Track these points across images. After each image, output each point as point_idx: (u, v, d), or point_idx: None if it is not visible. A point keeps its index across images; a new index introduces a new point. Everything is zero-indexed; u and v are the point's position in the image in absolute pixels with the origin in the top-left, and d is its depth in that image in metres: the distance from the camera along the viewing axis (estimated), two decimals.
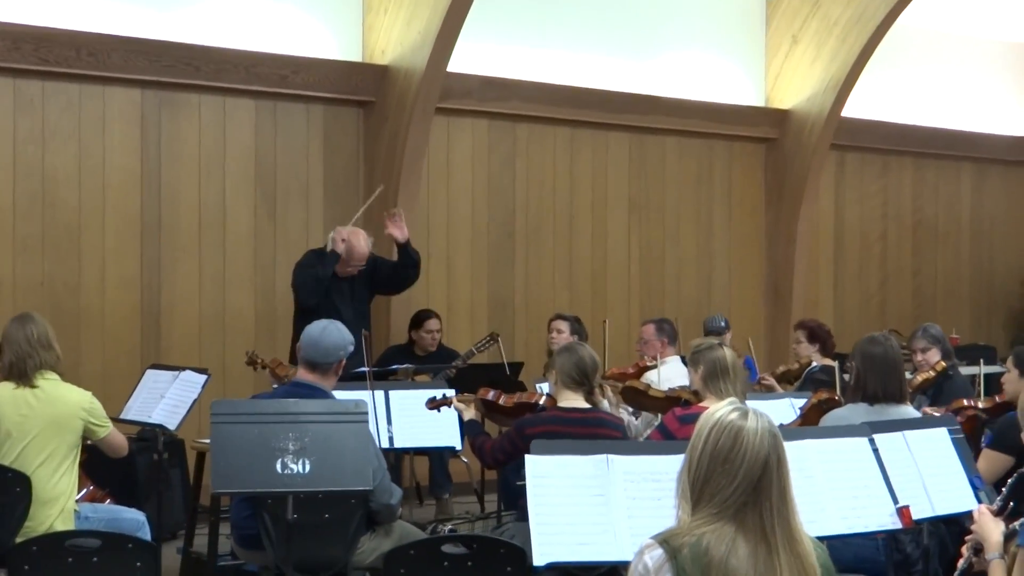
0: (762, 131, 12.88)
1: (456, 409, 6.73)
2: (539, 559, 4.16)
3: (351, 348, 6.06)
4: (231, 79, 9.90)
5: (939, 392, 7.76)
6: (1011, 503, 4.39)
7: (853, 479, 4.67)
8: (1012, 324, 15.29)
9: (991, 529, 4.13)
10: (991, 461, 6.09)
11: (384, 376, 8.78)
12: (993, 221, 15.05)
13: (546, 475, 4.27)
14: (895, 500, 4.69)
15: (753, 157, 13.02)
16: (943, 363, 7.98)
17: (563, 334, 9.08)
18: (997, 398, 6.95)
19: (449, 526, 8.17)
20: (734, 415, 3.26)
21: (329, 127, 10.52)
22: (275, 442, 5.09)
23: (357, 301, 9.17)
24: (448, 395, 6.80)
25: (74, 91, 9.39)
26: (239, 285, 9.89)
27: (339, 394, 6.68)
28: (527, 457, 4.37)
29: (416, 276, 9.57)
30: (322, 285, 8.87)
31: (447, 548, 4.40)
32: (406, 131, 10.33)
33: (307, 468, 5.09)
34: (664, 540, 3.21)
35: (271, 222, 10.18)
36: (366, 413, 5.37)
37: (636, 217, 12.22)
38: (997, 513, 4.23)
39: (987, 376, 9.23)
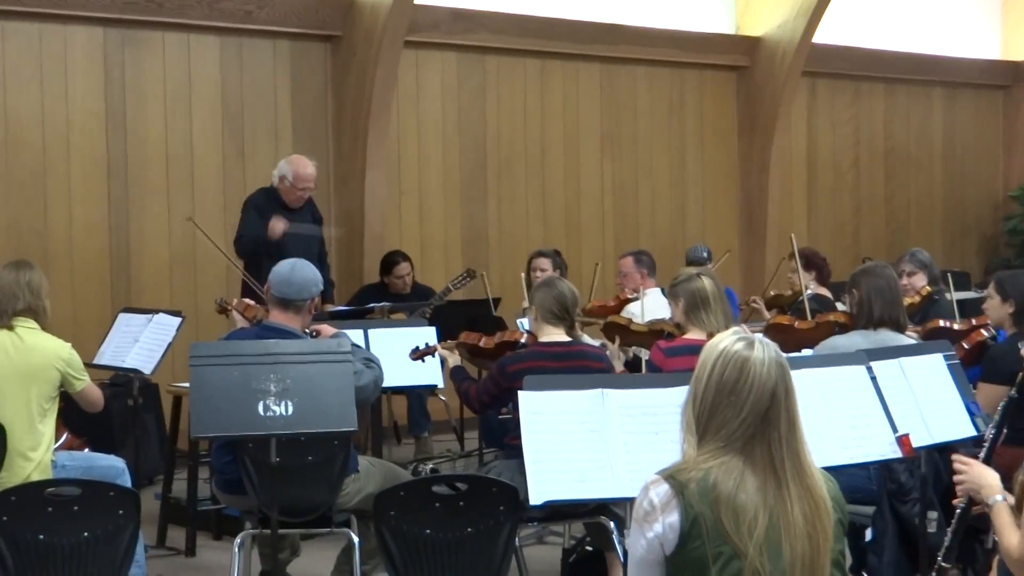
0: (733, 59, 12.76)
1: (440, 356, 6.61)
2: (535, 497, 4.05)
3: (322, 286, 5.91)
4: (194, 15, 9.69)
5: (925, 317, 7.69)
6: (1004, 430, 4.31)
7: (852, 408, 4.57)
8: (985, 249, 15.30)
9: (983, 473, 4.01)
10: (988, 395, 5.97)
11: (361, 315, 8.64)
12: (965, 146, 14.99)
13: (540, 411, 4.14)
14: (894, 429, 4.60)
15: (724, 86, 12.89)
16: (928, 288, 7.93)
17: (546, 271, 8.93)
18: (974, 321, 6.85)
19: (430, 465, 8.07)
20: (739, 345, 3.15)
21: (296, 63, 10.32)
22: (256, 384, 4.95)
23: (310, 244, 8.88)
24: (431, 344, 6.67)
25: (34, 31, 9.17)
26: (209, 225, 9.67)
27: None
28: (520, 394, 4.24)
29: None
30: (260, 245, 8.61)
31: (438, 488, 4.29)
32: (374, 66, 10.16)
33: (290, 410, 4.95)
34: (670, 475, 3.11)
35: (239, 160, 10.00)
36: (349, 352, 5.24)
37: (608, 149, 12.09)
38: (988, 450, 4.15)
39: (961, 302, 9.16)
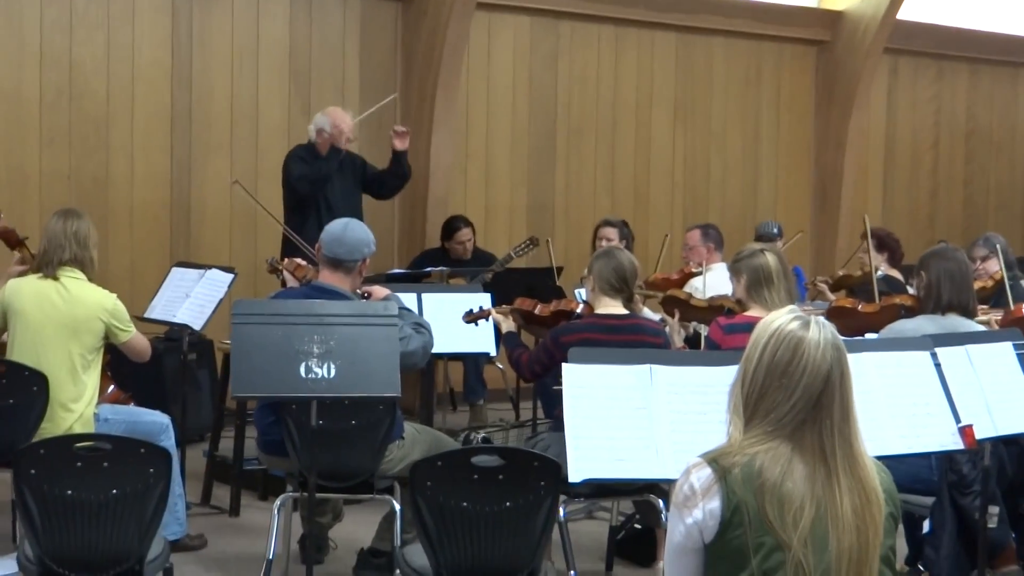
0: (813, 32, 12.46)
1: (494, 321, 6.45)
2: (575, 475, 3.88)
3: (374, 248, 5.77)
4: None
5: (997, 304, 7.43)
6: None
7: (914, 395, 4.35)
8: None
9: None
10: None
11: (417, 279, 8.51)
12: None
13: (584, 385, 3.97)
14: (957, 419, 4.38)
15: (803, 60, 12.61)
16: (1001, 272, 7.68)
17: (613, 241, 8.73)
18: None
19: (482, 434, 7.93)
20: (794, 324, 2.97)
21: (366, 22, 10.19)
22: (299, 344, 4.82)
23: (349, 196, 8.76)
24: (485, 307, 6.52)
25: None
26: (272, 182, 9.58)
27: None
28: (564, 366, 4.06)
29: (400, 188, 9.17)
30: (324, 181, 8.48)
31: (477, 460, 4.13)
32: (445, 27, 10.00)
33: (332, 372, 4.82)
34: (713, 459, 2.94)
35: (305, 118, 9.82)
36: (397, 315, 5.09)
37: (681, 120, 11.86)
38: None
39: None
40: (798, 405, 2.92)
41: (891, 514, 2.99)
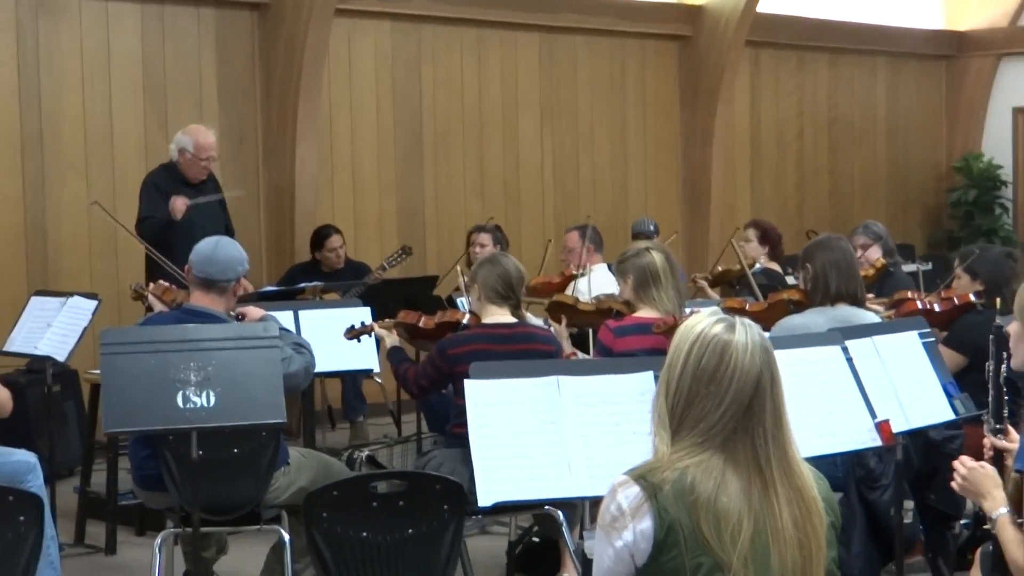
0: (675, 28, 12.41)
1: (378, 336, 6.19)
2: (485, 498, 3.64)
3: (247, 266, 5.48)
4: None
5: (880, 292, 7.39)
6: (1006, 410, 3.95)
7: (828, 392, 4.20)
8: (928, 221, 15.09)
9: (983, 481, 3.63)
10: (944, 358, 5.73)
11: (291, 296, 8.22)
12: (909, 117, 14.75)
13: (489, 402, 3.73)
14: (873, 414, 4.24)
15: (666, 56, 12.54)
16: (883, 260, 7.65)
17: (487, 247, 8.53)
18: (955, 299, 6.45)
19: (366, 452, 7.66)
20: (719, 327, 2.78)
21: (221, 32, 9.84)
22: (175, 373, 4.53)
23: (215, 219, 8.38)
24: (367, 323, 6.25)
25: None
26: (130, 204, 9.20)
27: None
28: (466, 383, 3.82)
29: None
30: (167, 228, 8.08)
31: (375, 486, 3.88)
32: (304, 35, 9.71)
33: (212, 401, 4.53)
34: (641, 476, 2.73)
35: (163, 134, 9.48)
36: (278, 336, 4.82)
37: (548, 121, 11.70)
38: (996, 423, 3.79)
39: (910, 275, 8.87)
40: (728, 413, 2.73)
41: (832, 524, 2.82)
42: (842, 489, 5.22)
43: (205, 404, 4.53)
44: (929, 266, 8.89)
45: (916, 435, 5.19)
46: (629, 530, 2.70)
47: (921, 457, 5.33)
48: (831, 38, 13.63)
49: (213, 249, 5.45)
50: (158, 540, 5.22)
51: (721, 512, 2.68)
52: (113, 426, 4.60)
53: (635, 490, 2.72)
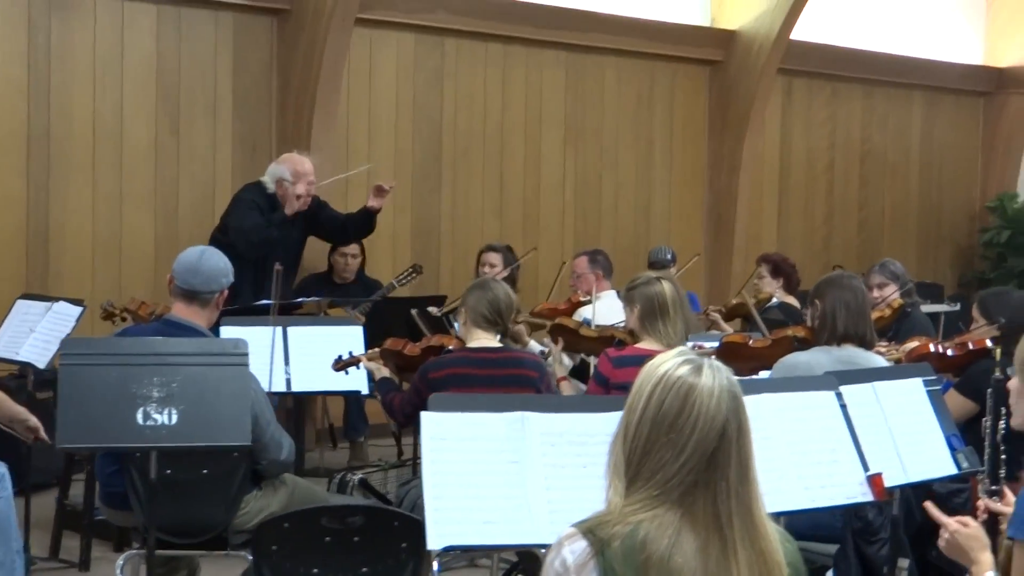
0: (707, 52, 12.14)
1: (367, 369, 5.99)
2: (434, 541, 3.37)
3: (232, 278, 5.27)
4: None
5: (897, 334, 7.11)
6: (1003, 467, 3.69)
7: (818, 441, 3.93)
8: (959, 261, 14.74)
9: (968, 542, 3.37)
10: (954, 404, 5.47)
11: (289, 310, 8.00)
12: (943, 153, 14.42)
13: (446, 436, 3.49)
14: (865, 466, 3.97)
15: (697, 80, 12.28)
16: (899, 300, 7.35)
17: (496, 268, 8.31)
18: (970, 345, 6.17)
19: (359, 475, 7.42)
20: (684, 369, 2.53)
21: (239, 37, 9.65)
22: (137, 388, 4.30)
23: (289, 248, 8.34)
24: (355, 354, 6.05)
25: None
26: (137, 206, 9.04)
27: (233, 331, 5.97)
28: (422, 415, 3.58)
29: (359, 241, 9.05)
30: (269, 247, 8.02)
31: (327, 522, 3.64)
32: (323, 43, 9.50)
33: (174, 419, 4.31)
34: (589, 529, 2.49)
35: (174, 138, 9.33)
36: (246, 354, 4.59)
37: (572, 141, 11.46)
38: (992, 483, 3.52)
39: (933, 315, 8.58)
40: (688, 464, 2.49)
41: None
42: (839, 541, 4.97)
43: (166, 422, 4.30)
44: (957, 307, 8.62)
45: (920, 488, 4.93)
46: None
47: (923, 511, 5.05)
48: (866, 69, 13.33)
49: (198, 259, 5.26)
50: (120, 560, 5.02)
51: (674, 573, 2.44)
52: (66, 441, 4.38)
53: (582, 544, 2.48)
